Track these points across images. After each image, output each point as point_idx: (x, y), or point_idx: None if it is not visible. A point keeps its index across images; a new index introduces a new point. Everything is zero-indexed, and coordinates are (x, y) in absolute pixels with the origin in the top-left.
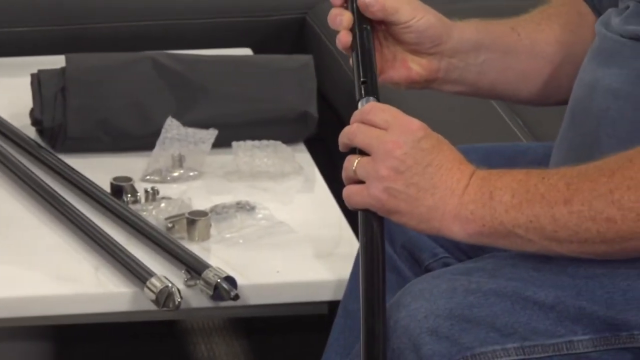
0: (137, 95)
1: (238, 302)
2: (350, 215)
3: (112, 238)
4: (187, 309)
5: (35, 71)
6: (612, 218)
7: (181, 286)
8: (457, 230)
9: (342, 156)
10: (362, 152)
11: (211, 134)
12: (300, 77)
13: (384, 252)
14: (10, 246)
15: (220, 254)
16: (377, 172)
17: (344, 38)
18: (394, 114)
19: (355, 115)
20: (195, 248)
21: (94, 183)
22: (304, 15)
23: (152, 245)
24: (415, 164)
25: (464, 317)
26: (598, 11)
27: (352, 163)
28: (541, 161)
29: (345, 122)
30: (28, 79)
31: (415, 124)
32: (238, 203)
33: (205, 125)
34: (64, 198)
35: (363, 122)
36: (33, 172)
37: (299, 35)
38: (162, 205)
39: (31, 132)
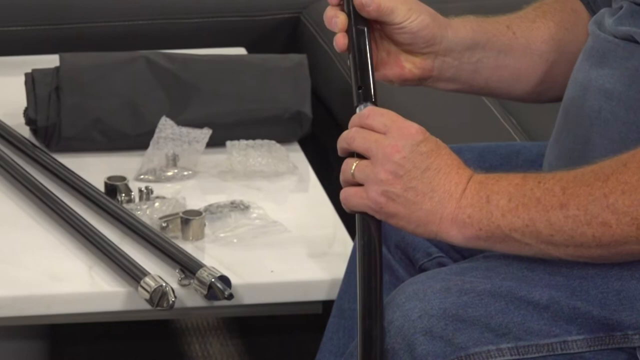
0: (131, 94)
1: (232, 302)
2: (345, 215)
3: (106, 237)
4: (181, 308)
5: (29, 70)
6: (607, 222)
7: (175, 285)
8: (455, 234)
9: (337, 156)
10: (361, 156)
11: (205, 133)
12: (295, 77)
13: (381, 254)
14: (3, 245)
15: (214, 254)
16: (376, 175)
17: (341, 41)
18: (392, 118)
19: (354, 119)
20: (189, 247)
21: (88, 182)
22: (298, 14)
23: (146, 244)
24: (414, 168)
25: (458, 317)
26: (592, 9)
27: (350, 166)
28: (535, 160)
29: (340, 122)
30: (22, 79)
31: (413, 128)
32: (232, 202)
33: (199, 125)
34: (58, 197)
35: (362, 127)
36: (27, 172)
37: (293, 34)
38: (156, 204)
39: (25, 132)
